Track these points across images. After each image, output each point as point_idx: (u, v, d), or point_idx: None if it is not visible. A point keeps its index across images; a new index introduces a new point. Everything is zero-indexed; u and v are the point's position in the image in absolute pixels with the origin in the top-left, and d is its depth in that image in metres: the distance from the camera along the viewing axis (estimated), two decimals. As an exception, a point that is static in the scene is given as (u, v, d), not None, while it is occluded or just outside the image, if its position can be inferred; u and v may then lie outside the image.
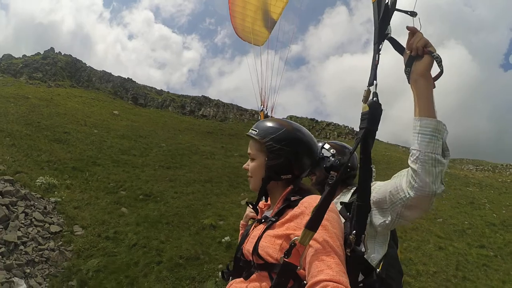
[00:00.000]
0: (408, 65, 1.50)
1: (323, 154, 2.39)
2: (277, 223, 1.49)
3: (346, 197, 2.21)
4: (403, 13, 1.50)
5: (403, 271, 2.16)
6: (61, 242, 11.54)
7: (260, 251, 1.44)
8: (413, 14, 1.48)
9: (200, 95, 55.37)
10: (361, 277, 1.46)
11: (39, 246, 10.71)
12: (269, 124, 1.66)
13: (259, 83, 3.94)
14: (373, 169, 1.57)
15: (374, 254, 1.84)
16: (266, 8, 4.34)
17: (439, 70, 1.46)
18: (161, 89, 53.39)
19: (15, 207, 12.18)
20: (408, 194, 1.50)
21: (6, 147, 20.46)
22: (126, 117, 41.18)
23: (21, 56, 47.96)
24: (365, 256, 1.45)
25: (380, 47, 1.48)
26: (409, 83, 1.51)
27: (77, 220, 13.53)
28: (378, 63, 1.46)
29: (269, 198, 1.80)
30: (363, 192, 1.46)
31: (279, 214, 1.53)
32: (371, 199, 1.54)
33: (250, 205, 1.90)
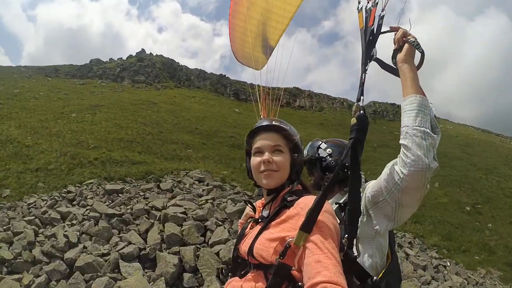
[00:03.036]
0: (393, 57, 1.56)
1: (319, 154, 2.09)
2: (273, 223, 1.39)
3: (342, 199, 1.88)
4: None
5: (401, 277, 1.93)
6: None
7: (254, 253, 1.35)
8: (395, 29, 1.56)
9: (292, 87, 49.41)
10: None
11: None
12: (288, 123, 1.59)
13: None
14: (363, 175, 1.59)
15: (372, 257, 1.64)
16: (264, 35, 4.09)
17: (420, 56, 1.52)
18: (251, 83, 46.29)
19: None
20: (402, 173, 1.40)
21: (201, 160, 17.51)
22: (248, 115, 35.17)
23: (108, 60, 41.51)
24: (359, 259, 1.54)
25: (366, 68, 1.52)
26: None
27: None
28: (364, 81, 1.50)
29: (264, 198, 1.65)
30: (353, 197, 1.41)
31: (276, 214, 1.42)
32: (367, 196, 1.62)
33: (249, 203, 1.80)
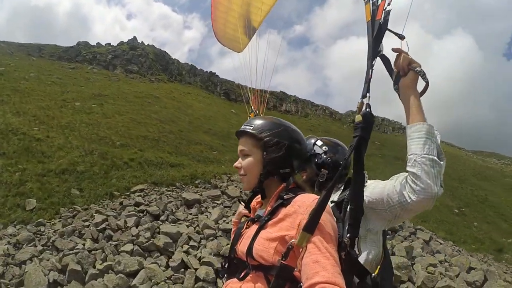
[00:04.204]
0: (396, 82, 1.49)
1: (315, 150, 2.05)
2: (270, 222, 1.31)
3: (335, 196, 1.79)
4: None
5: (393, 271, 1.99)
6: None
7: (254, 254, 1.26)
8: (401, 37, 1.47)
9: (279, 91, 48.49)
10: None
11: None
12: (263, 120, 1.48)
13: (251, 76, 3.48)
14: (366, 175, 1.53)
15: (368, 254, 1.62)
16: (248, 16, 3.83)
17: (425, 84, 1.45)
18: (239, 83, 44.66)
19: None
20: (410, 199, 1.38)
21: (230, 163, 15.56)
22: (245, 117, 33.09)
23: (95, 44, 36.82)
24: (359, 257, 1.46)
25: (373, 63, 1.44)
26: (400, 98, 1.50)
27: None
28: (371, 78, 1.42)
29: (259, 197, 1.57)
30: (356, 197, 1.39)
31: (272, 213, 1.33)
32: (365, 198, 1.52)
33: (242, 202, 1.67)
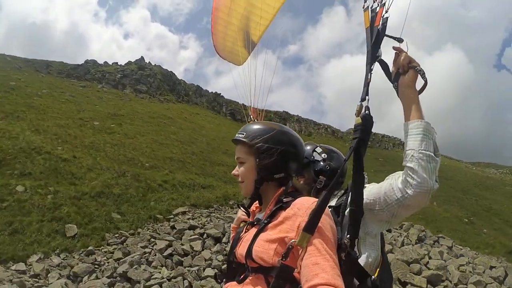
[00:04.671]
0: (396, 80, 1.51)
1: (314, 157, 2.07)
2: (270, 225, 1.31)
3: (332, 202, 1.78)
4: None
5: (392, 275, 1.94)
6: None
7: (254, 256, 1.25)
8: (399, 40, 1.50)
9: (282, 110, 48.95)
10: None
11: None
12: (256, 126, 1.47)
13: (250, 89, 3.45)
14: (365, 176, 1.52)
15: (367, 257, 1.61)
16: (247, 30, 3.81)
17: (423, 83, 1.47)
18: (243, 103, 44.66)
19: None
20: (406, 193, 1.40)
21: None
22: None
23: (103, 63, 36.55)
24: (358, 261, 1.43)
25: (372, 67, 1.46)
26: (398, 96, 1.51)
27: None
28: (370, 81, 1.43)
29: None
30: (356, 197, 1.39)
31: (272, 216, 1.33)
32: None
33: (242, 207, 1.68)
